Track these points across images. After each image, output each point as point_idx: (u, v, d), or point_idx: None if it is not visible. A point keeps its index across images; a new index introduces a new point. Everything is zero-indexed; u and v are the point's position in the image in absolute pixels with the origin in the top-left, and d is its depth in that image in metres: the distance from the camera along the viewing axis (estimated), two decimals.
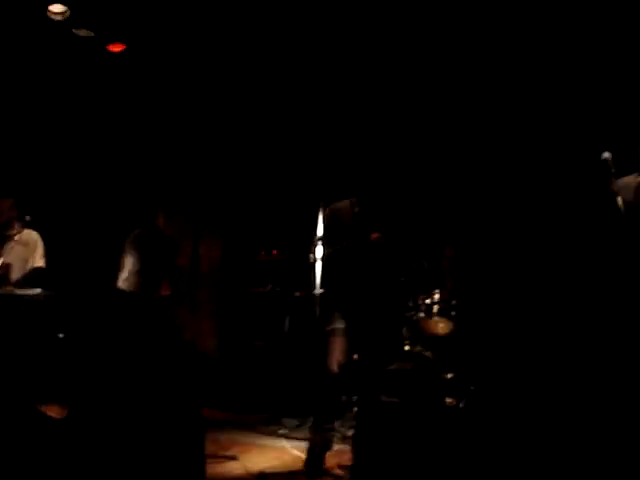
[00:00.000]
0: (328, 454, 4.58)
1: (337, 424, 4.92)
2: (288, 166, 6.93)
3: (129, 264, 5.79)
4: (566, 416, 4.13)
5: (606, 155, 3.98)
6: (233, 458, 4.86)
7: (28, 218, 5.73)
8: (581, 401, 4.11)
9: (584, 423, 3.96)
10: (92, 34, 6.64)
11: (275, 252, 6.78)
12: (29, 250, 5.89)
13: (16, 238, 5.76)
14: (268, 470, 4.58)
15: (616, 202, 3.65)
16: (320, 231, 4.53)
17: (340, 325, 4.62)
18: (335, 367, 4.53)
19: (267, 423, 6.02)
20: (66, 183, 7.45)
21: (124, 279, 5.82)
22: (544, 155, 5.55)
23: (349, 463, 4.27)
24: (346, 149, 6.36)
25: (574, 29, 5.41)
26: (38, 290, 5.34)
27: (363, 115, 6.53)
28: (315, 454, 4.54)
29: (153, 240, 5.90)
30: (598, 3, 5.25)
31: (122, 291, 5.74)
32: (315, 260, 4.51)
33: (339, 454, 4.71)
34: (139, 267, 5.77)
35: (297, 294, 6.40)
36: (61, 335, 5.44)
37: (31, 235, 5.94)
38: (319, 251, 4.48)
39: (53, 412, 5.14)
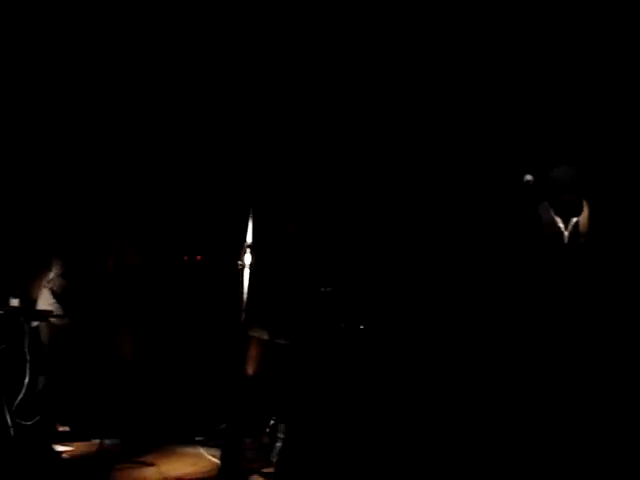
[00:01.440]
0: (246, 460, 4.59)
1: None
2: (218, 170, 6.92)
3: (55, 267, 5.68)
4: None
5: (528, 178, 4.18)
6: (150, 464, 4.81)
7: None
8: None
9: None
10: None
11: (199, 257, 6.74)
12: None
13: None
14: (186, 476, 4.56)
15: (540, 222, 3.83)
16: (249, 238, 4.56)
17: (258, 334, 4.65)
18: (250, 372, 4.57)
19: (184, 430, 5.97)
20: None
21: (48, 280, 5.70)
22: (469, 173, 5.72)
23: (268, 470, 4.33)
24: (274, 152, 6.41)
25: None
26: None
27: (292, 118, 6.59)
28: (228, 460, 4.52)
29: (81, 244, 5.81)
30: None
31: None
32: (243, 266, 4.54)
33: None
34: (63, 270, 5.66)
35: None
36: None
37: None
38: (247, 258, 4.51)
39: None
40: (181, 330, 6.62)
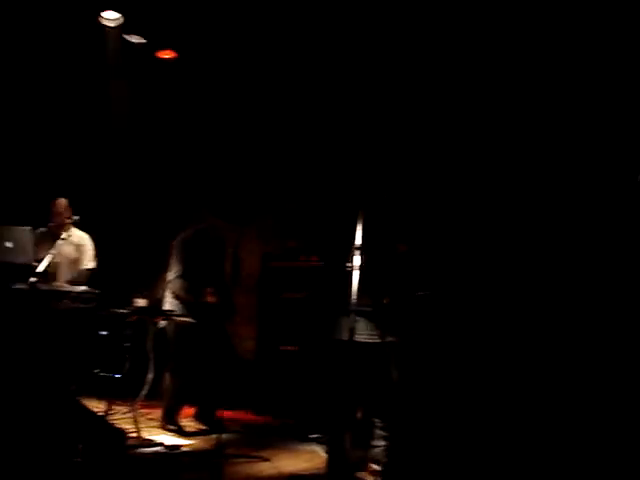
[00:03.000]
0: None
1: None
2: (328, 173, 7.04)
3: (174, 268, 5.94)
4: None
5: None
6: (265, 459, 4.95)
7: (77, 218, 5.91)
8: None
9: None
10: (143, 40, 6.87)
11: (315, 258, 6.86)
12: (78, 250, 6.10)
13: (65, 238, 5.92)
14: (299, 472, 4.66)
15: None
16: (359, 239, 4.60)
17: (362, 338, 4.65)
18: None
19: (299, 427, 6.12)
20: (115, 185, 7.67)
21: (168, 281, 5.97)
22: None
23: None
24: (385, 156, 6.44)
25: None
26: (83, 288, 5.54)
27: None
28: (336, 458, 4.58)
29: (200, 244, 6.02)
30: None
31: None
32: (352, 268, 4.59)
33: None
34: (183, 271, 5.90)
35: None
36: (104, 332, 5.65)
37: (81, 236, 6.16)
38: (357, 260, 4.55)
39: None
40: (298, 329, 6.77)
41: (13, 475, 3.98)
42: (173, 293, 5.89)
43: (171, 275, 5.93)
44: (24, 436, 4.49)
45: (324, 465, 4.78)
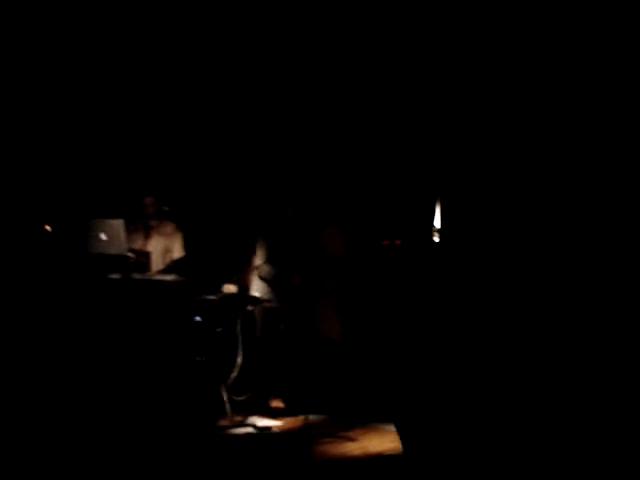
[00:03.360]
0: None
1: None
2: (406, 158, 7.06)
3: (259, 253, 6.11)
4: None
5: None
6: (352, 439, 5.05)
7: (166, 209, 6.15)
8: None
9: None
10: None
11: (398, 241, 6.90)
12: (168, 240, 6.34)
13: (156, 229, 6.19)
14: (386, 452, 4.74)
15: None
16: (438, 221, 4.65)
17: None
18: None
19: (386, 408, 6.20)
20: (200, 177, 7.91)
21: (256, 267, 6.15)
22: None
23: None
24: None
25: None
26: (174, 276, 5.77)
27: None
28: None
29: (283, 231, 6.18)
30: None
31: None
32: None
33: None
34: (269, 256, 6.07)
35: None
36: (198, 318, 5.86)
37: (170, 226, 6.40)
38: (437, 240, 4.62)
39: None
40: (381, 312, 6.84)
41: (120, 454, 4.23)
42: (261, 278, 6.07)
43: (258, 261, 6.10)
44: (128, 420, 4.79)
45: None
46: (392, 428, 5.51)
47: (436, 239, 4.62)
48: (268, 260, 6.07)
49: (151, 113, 7.75)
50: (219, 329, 5.73)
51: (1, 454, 4.33)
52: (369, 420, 5.77)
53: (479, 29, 6.24)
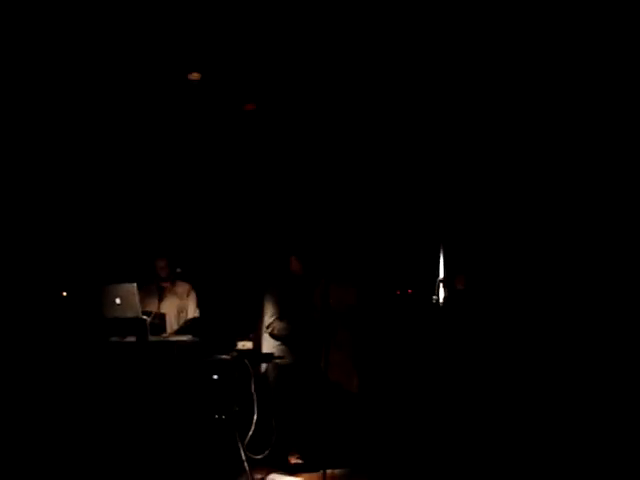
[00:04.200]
0: None
1: None
2: (408, 207, 7.16)
3: (269, 311, 6.19)
4: None
5: None
6: None
7: (179, 270, 6.25)
8: None
9: None
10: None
11: (410, 291, 6.97)
12: (182, 301, 6.44)
13: (169, 290, 6.30)
14: None
15: None
16: (442, 272, 4.71)
17: None
18: None
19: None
20: (209, 237, 8.05)
21: (267, 324, 6.22)
22: None
23: None
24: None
25: None
26: (189, 336, 5.83)
27: None
28: None
29: (289, 286, 6.26)
30: None
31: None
32: (437, 300, 4.70)
33: None
34: (279, 313, 6.14)
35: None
36: (215, 377, 5.89)
37: (184, 287, 6.50)
38: (441, 293, 4.66)
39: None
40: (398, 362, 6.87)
41: None
42: (273, 335, 6.13)
43: (268, 319, 6.17)
44: None
45: None
46: None
47: (441, 291, 4.64)
48: (279, 317, 6.14)
49: (157, 175, 7.93)
50: (235, 387, 5.76)
51: None
52: (387, 472, 5.78)
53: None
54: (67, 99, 6.91)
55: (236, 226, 8.31)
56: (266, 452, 5.77)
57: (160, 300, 6.29)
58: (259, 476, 5.44)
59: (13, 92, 6.57)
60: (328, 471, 4.91)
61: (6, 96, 6.53)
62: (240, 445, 5.47)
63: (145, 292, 6.05)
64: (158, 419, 5.35)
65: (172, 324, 6.28)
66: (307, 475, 5.65)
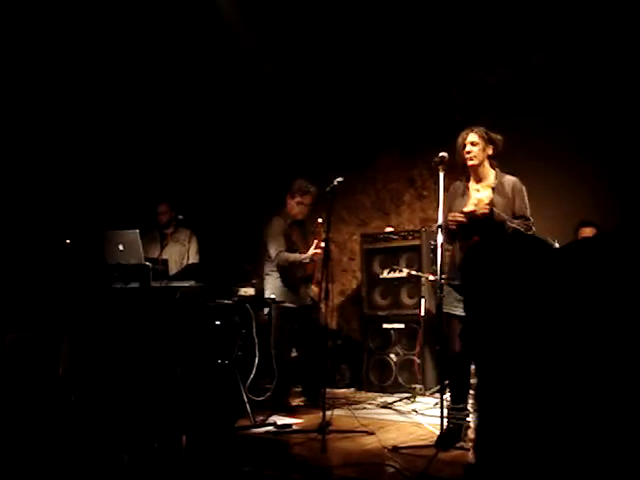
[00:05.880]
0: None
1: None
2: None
3: (275, 245, 6.20)
4: None
5: None
6: (371, 433, 5.16)
7: (181, 217, 6.30)
8: None
9: None
10: None
11: (411, 238, 7.04)
12: (184, 247, 6.51)
13: (171, 236, 6.37)
14: (402, 444, 4.82)
15: None
16: (440, 218, 4.72)
17: (456, 311, 4.75)
18: (456, 348, 4.73)
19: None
20: (210, 186, 8.09)
21: (271, 260, 6.24)
22: None
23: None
24: None
25: None
26: (192, 282, 5.91)
27: None
28: (449, 429, 4.73)
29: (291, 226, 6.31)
30: None
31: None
32: (436, 246, 4.73)
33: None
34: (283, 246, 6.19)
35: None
36: (218, 322, 5.99)
37: (185, 233, 6.57)
38: (439, 238, 4.68)
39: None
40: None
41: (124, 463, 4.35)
42: (279, 270, 6.18)
43: (273, 253, 6.19)
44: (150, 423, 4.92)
45: (426, 437, 4.98)
46: (410, 420, 5.64)
47: (439, 236, 4.67)
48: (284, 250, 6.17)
49: (161, 123, 7.93)
50: (238, 331, 5.85)
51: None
52: (387, 414, 5.91)
53: None
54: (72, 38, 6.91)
55: (236, 172, 8.34)
56: (267, 394, 5.91)
57: (162, 246, 6.36)
58: (261, 418, 5.56)
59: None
60: (328, 413, 4.99)
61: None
62: (242, 387, 5.60)
63: (147, 238, 6.13)
64: (161, 364, 5.45)
65: (174, 270, 6.36)
66: (307, 416, 5.77)
